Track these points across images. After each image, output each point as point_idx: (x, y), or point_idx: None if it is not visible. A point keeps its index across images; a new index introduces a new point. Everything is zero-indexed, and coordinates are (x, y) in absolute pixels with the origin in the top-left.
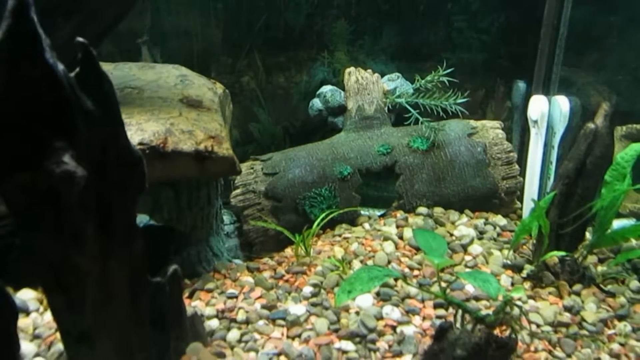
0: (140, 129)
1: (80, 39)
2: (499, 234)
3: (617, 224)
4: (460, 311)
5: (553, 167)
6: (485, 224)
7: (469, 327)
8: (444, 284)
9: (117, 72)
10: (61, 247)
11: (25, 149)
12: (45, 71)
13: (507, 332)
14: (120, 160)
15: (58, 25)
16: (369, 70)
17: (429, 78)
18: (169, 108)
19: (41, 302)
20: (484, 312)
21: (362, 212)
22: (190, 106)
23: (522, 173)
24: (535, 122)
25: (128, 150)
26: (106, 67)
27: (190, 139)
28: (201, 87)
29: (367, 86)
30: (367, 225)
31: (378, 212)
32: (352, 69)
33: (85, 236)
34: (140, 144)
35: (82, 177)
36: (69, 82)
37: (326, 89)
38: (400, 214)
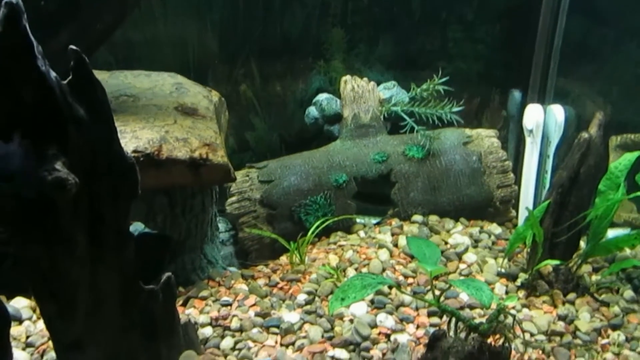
0: (135, 137)
1: (73, 47)
2: (493, 243)
3: (612, 233)
4: (453, 319)
5: (548, 176)
6: (480, 232)
7: (463, 335)
8: (437, 292)
9: (112, 80)
10: (51, 255)
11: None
12: (37, 78)
13: (501, 341)
14: (113, 167)
15: (53, 33)
16: (365, 79)
17: (424, 87)
18: (164, 116)
19: (34, 310)
20: (477, 320)
21: (358, 220)
22: (185, 114)
23: (518, 182)
24: (531, 131)
25: (121, 158)
26: (101, 75)
27: (185, 147)
28: (196, 95)
29: (363, 94)
30: (362, 233)
31: (373, 220)
32: (348, 77)
33: (76, 243)
34: (135, 151)
35: (73, 184)
36: (61, 90)
37: (322, 97)
38: (395, 221)
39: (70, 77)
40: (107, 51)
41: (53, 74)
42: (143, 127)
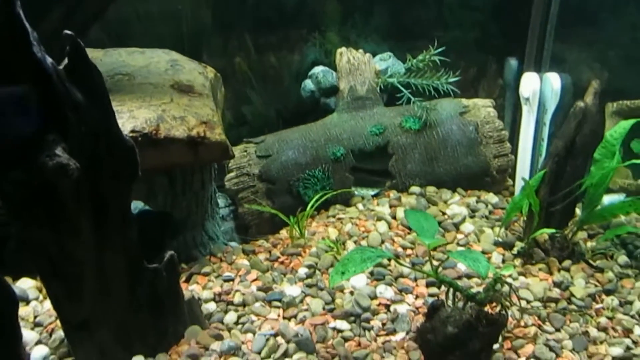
0: (132, 117)
1: (68, 32)
2: (490, 212)
3: (607, 199)
4: (451, 289)
5: (545, 143)
6: (477, 202)
7: (460, 304)
8: (436, 263)
9: (106, 58)
10: (57, 238)
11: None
12: (34, 65)
13: (498, 309)
14: (113, 150)
15: (44, 16)
16: (361, 51)
17: (420, 57)
18: (160, 94)
19: (40, 291)
20: (475, 289)
21: (356, 192)
22: (182, 92)
23: (515, 150)
24: (527, 99)
25: (120, 140)
26: (95, 54)
27: (183, 125)
28: (192, 72)
29: (359, 66)
30: (360, 206)
31: (372, 192)
32: (343, 49)
33: (81, 226)
34: (132, 131)
35: (74, 169)
36: (58, 75)
37: (318, 69)
38: (393, 193)
39: (66, 62)
40: (100, 28)
41: (49, 59)
42: (140, 107)
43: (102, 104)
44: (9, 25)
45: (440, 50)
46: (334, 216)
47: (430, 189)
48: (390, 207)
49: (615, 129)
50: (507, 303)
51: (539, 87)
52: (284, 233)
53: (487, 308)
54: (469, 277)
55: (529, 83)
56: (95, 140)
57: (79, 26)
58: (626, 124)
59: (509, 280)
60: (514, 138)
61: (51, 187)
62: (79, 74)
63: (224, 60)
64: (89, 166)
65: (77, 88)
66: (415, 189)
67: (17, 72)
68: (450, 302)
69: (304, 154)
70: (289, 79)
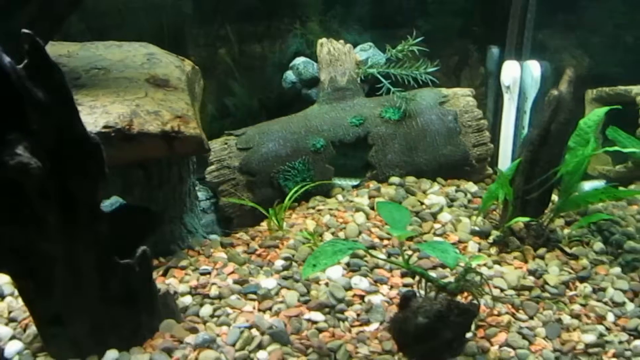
0: (105, 112)
1: (26, 31)
2: (469, 201)
3: (588, 185)
4: (423, 280)
5: (525, 131)
6: (456, 191)
7: (432, 295)
8: (411, 253)
9: (83, 52)
10: (25, 234)
11: None
12: None
13: (470, 299)
14: (78, 147)
15: (12, 13)
16: (342, 41)
17: (399, 48)
18: (134, 89)
19: (16, 286)
20: (450, 279)
21: (337, 182)
22: (157, 86)
23: (497, 137)
24: (508, 87)
25: (84, 138)
26: (73, 47)
27: (157, 120)
28: (168, 66)
29: (339, 57)
30: (340, 197)
31: (352, 182)
32: (324, 40)
33: (48, 223)
34: (105, 126)
35: (36, 168)
36: (17, 75)
37: (299, 61)
38: (373, 184)
39: (25, 62)
40: (81, 20)
41: (7, 59)
42: (113, 102)
43: (64, 102)
44: None
45: (418, 40)
46: (313, 207)
47: (410, 179)
48: (370, 197)
49: (590, 117)
50: (480, 292)
51: (520, 75)
52: (264, 225)
53: (459, 297)
54: (443, 267)
55: (510, 71)
56: (59, 138)
57: (51, 22)
58: (600, 112)
59: (483, 269)
60: (496, 125)
61: (16, 184)
62: (40, 72)
63: (206, 52)
64: (54, 164)
65: (37, 87)
66: (394, 179)
67: None
68: (422, 292)
69: (285, 145)
70: (271, 69)
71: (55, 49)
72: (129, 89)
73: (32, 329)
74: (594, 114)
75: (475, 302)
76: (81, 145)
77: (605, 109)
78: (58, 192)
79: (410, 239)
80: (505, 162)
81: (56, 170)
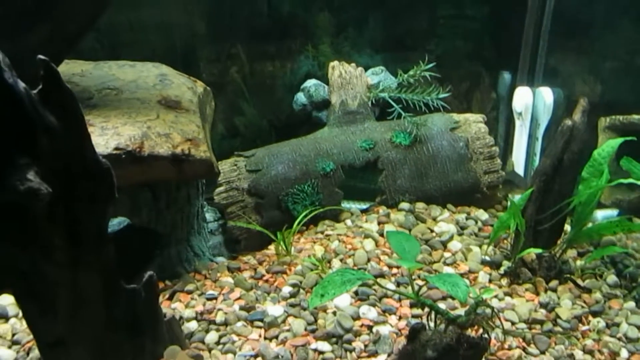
0: (116, 133)
1: (42, 57)
2: (480, 229)
3: (600, 214)
4: (432, 312)
5: (537, 158)
6: (466, 218)
7: (442, 327)
8: (420, 282)
9: (96, 71)
10: (30, 258)
11: None
12: (6, 91)
13: (480, 332)
14: (88, 172)
15: (29, 31)
16: (353, 64)
17: (411, 73)
18: (146, 110)
19: (20, 307)
20: (459, 310)
21: (345, 205)
22: (169, 107)
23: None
24: (520, 113)
25: (95, 163)
26: (86, 66)
27: (167, 143)
28: (180, 87)
29: (350, 80)
30: (349, 222)
31: (362, 206)
32: (335, 62)
33: (54, 247)
34: (116, 148)
35: (46, 193)
36: (31, 100)
37: (310, 83)
38: (382, 209)
39: (40, 87)
40: (93, 38)
41: (22, 84)
42: (125, 123)
43: (76, 128)
44: None
45: (430, 65)
46: (322, 232)
47: (420, 205)
48: (379, 223)
49: (603, 148)
50: (490, 325)
51: (532, 102)
52: (271, 249)
53: (470, 331)
54: (453, 298)
55: (522, 97)
56: (69, 163)
57: (65, 41)
58: (614, 143)
59: (494, 300)
60: (507, 151)
61: (23, 207)
62: (53, 98)
63: (217, 70)
64: (63, 188)
65: (50, 112)
66: (404, 205)
67: None
68: (431, 325)
69: (294, 168)
70: (282, 90)
71: (69, 68)
72: (141, 110)
73: (35, 353)
74: (608, 145)
75: (485, 335)
76: (92, 170)
77: (620, 140)
78: (66, 215)
79: (420, 268)
80: (509, 195)
81: (65, 194)
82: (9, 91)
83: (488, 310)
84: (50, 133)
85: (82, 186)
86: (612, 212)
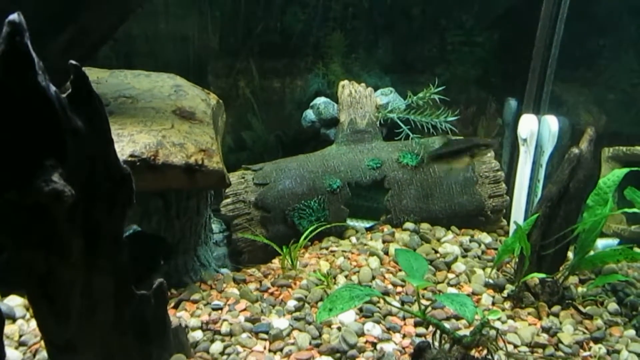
0: (132, 141)
1: (73, 62)
2: (483, 252)
3: (601, 243)
4: (438, 331)
5: (540, 185)
6: (470, 241)
7: (447, 347)
8: (426, 302)
9: (112, 79)
10: (48, 259)
11: (16, 166)
12: (38, 94)
13: (484, 353)
14: (109, 177)
15: (53, 36)
16: (363, 84)
17: (420, 95)
18: (161, 119)
19: (28, 309)
20: (463, 331)
21: (350, 222)
22: (183, 118)
23: (510, 190)
24: (525, 140)
25: (116, 167)
26: (102, 74)
27: (181, 152)
28: (195, 98)
29: (360, 100)
30: (354, 239)
31: (366, 224)
32: (346, 82)
33: (71, 249)
34: (131, 155)
35: (69, 196)
36: (60, 103)
37: (320, 100)
38: (387, 228)
39: (69, 91)
40: (108, 47)
41: (53, 88)
42: (140, 131)
43: (101, 132)
44: (16, 55)
45: (440, 89)
46: (327, 248)
47: (425, 226)
48: (384, 242)
49: (609, 177)
50: (494, 348)
51: (537, 129)
52: (276, 262)
53: (473, 352)
54: (457, 318)
55: (527, 124)
56: (92, 166)
57: (87, 48)
58: (620, 173)
59: (497, 323)
60: (510, 177)
61: (45, 209)
62: (81, 102)
63: (228, 85)
64: (84, 191)
65: (78, 116)
66: (409, 225)
67: (22, 99)
68: (436, 344)
69: (301, 184)
70: (290, 106)
71: None
72: (156, 120)
73: (42, 354)
74: (614, 175)
75: (489, 357)
76: (113, 175)
77: (625, 170)
78: (85, 218)
79: (425, 287)
80: (518, 214)
81: (86, 197)
82: (42, 94)
83: (492, 332)
84: (76, 136)
85: (102, 190)
86: (612, 242)
